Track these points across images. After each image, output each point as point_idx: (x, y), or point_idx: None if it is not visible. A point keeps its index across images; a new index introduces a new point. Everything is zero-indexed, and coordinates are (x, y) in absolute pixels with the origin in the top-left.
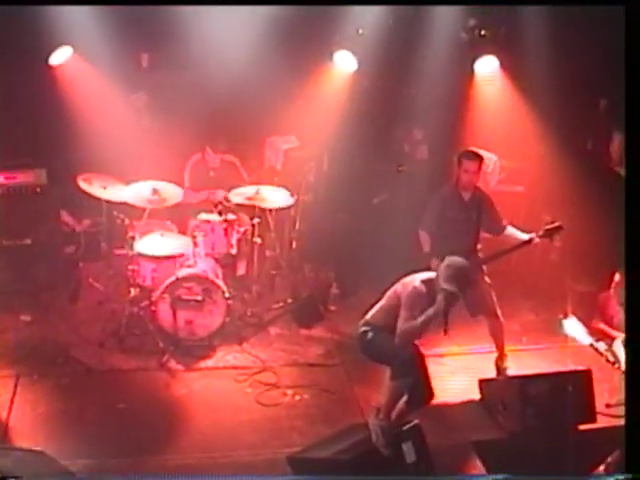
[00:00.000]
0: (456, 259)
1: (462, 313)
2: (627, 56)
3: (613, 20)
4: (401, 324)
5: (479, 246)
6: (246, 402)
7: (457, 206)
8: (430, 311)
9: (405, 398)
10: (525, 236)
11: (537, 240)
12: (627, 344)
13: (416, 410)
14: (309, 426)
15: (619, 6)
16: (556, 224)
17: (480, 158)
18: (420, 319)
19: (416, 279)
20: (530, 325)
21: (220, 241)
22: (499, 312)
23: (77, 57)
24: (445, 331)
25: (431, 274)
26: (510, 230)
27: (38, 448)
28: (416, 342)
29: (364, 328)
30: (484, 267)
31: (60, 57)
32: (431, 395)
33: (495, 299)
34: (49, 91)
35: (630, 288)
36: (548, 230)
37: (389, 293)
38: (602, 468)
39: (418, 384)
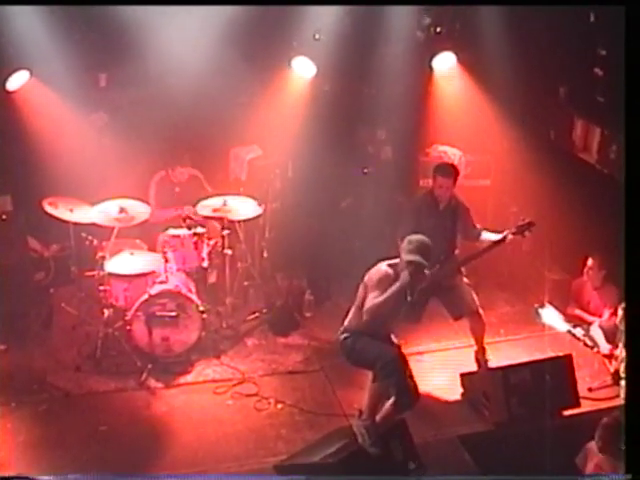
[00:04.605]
0: (416, 235)
1: (439, 311)
2: (627, 56)
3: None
4: (368, 302)
5: (456, 251)
6: (228, 414)
7: (432, 214)
8: (395, 285)
9: (392, 401)
10: (498, 236)
11: (510, 237)
12: (627, 345)
13: (403, 413)
14: (294, 433)
15: (619, 6)
16: (527, 221)
17: (455, 172)
18: (386, 294)
19: (382, 265)
20: (506, 317)
21: (191, 255)
22: (481, 311)
23: (34, 81)
24: (411, 302)
25: (397, 260)
26: (485, 235)
27: (22, 476)
28: (396, 341)
29: (344, 335)
30: (462, 269)
31: (17, 82)
32: (417, 397)
33: (476, 298)
34: (7, 117)
35: (630, 291)
36: (520, 227)
37: (359, 291)
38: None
39: (403, 387)
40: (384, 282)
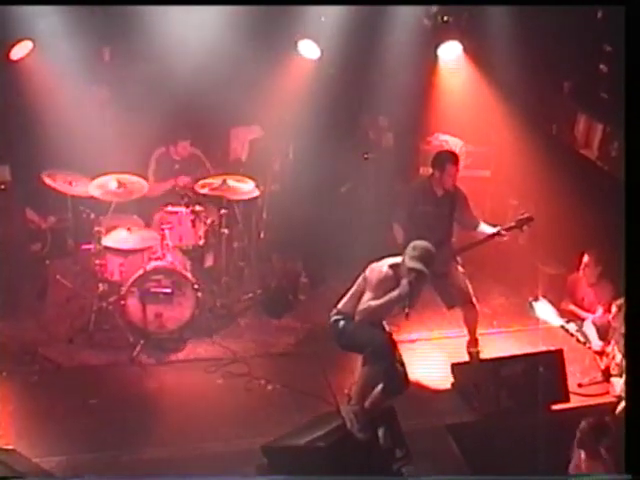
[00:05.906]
0: (421, 242)
1: (433, 299)
2: (627, 56)
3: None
4: (363, 302)
5: (453, 239)
6: (218, 393)
7: (429, 201)
8: (394, 293)
9: (381, 386)
10: (494, 230)
11: (503, 233)
12: (627, 345)
13: (392, 399)
14: (283, 415)
15: (619, 6)
16: (527, 215)
17: (459, 158)
18: (383, 299)
19: (384, 264)
20: (501, 309)
21: (187, 233)
22: (474, 300)
23: (38, 51)
24: (407, 315)
25: (399, 259)
26: (482, 227)
27: (9, 447)
28: (387, 328)
29: (335, 317)
30: (458, 258)
31: (21, 51)
32: (407, 384)
33: (470, 287)
34: (10, 86)
35: (630, 289)
36: (519, 221)
37: (359, 280)
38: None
39: (393, 373)
40: (383, 284)
